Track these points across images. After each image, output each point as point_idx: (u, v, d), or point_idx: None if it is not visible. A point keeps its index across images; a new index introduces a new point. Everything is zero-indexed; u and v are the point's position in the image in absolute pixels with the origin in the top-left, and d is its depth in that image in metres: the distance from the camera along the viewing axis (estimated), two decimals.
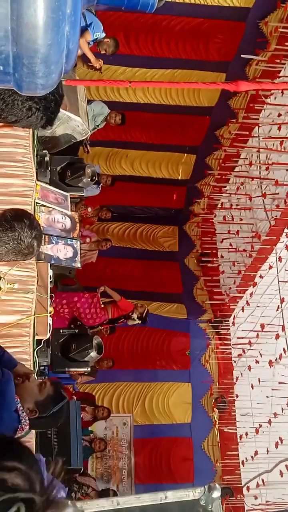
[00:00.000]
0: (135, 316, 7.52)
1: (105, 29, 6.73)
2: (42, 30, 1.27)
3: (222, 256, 9.65)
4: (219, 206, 9.77)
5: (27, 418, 2.47)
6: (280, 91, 7.30)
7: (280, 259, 7.77)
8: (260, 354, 8.15)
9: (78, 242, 5.36)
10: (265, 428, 7.95)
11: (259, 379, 8.09)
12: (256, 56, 7.49)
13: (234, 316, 9.22)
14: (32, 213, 4.49)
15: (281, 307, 7.71)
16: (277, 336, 7.69)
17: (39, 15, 1.25)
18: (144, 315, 7.60)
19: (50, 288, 4.81)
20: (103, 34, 6.72)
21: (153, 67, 8.31)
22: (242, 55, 7.47)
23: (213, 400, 9.15)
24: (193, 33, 7.91)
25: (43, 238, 4.92)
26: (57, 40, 1.30)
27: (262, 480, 7.99)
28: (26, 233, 2.47)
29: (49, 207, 5.13)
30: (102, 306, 7.18)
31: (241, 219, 8.86)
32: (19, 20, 1.26)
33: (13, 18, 1.26)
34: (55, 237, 5.07)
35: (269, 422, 7.84)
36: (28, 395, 2.57)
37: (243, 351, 8.76)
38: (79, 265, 5.32)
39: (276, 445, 7.64)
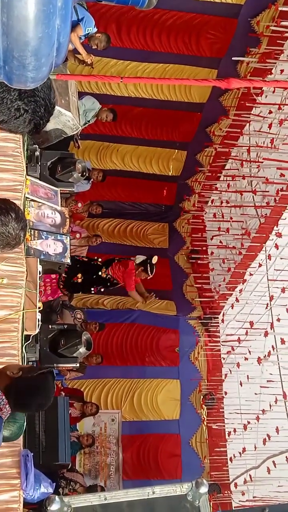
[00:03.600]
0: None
1: (96, 21, 6.70)
2: (32, 23, 1.26)
3: (212, 253, 9.67)
4: (209, 203, 9.79)
5: (4, 397, 2.48)
6: (271, 89, 7.32)
7: (269, 257, 7.80)
8: (249, 351, 8.18)
9: (68, 238, 5.35)
10: (253, 424, 7.99)
11: (247, 376, 8.12)
12: (248, 53, 7.50)
13: (223, 313, 9.25)
14: (22, 208, 4.48)
15: (270, 304, 7.74)
16: (266, 334, 7.72)
17: (30, 8, 1.25)
18: (150, 267, 7.87)
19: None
20: (95, 29, 6.69)
21: (145, 61, 8.31)
22: (233, 58, 7.48)
23: (202, 397, 9.17)
24: (185, 28, 7.91)
25: (33, 233, 4.91)
26: (47, 33, 1.30)
27: (250, 476, 8.03)
28: (14, 226, 2.50)
29: (39, 202, 5.12)
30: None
31: (231, 217, 8.88)
32: (9, 13, 1.25)
33: (4, 11, 1.25)
34: (44, 233, 5.06)
35: (257, 418, 7.88)
36: (12, 366, 2.65)
37: (232, 348, 8.79)
38: (68, 260, 5.31)
39: (264, 441, 7.69)
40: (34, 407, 2.74)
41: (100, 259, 8.03)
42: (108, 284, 7.94)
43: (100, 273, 7.81)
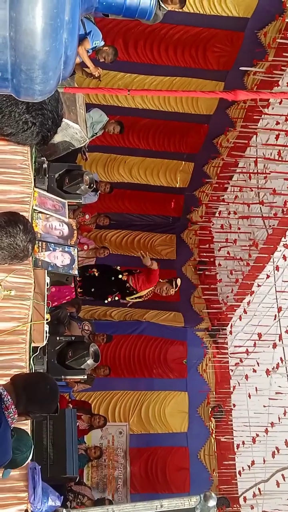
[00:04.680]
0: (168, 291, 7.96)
1: (104, 36, 6.76)
2: (40, 37, 1.28)
3: (219, 265, 9.65)
4: (217, 214, 9.79)
5: (9, 397, 2.47)
6: (278, 101, 7.33)
7: (277, 268, 7.78)
8: (258, 363, 8.14)
9: (76, 250, 5.36)
10: (262, 437, 7.92)
11: (256, 388, 8.08)
12: (254, 65, 7.53)
13: (231, 324, 9.22)
14: (30, 220, 4.50)
15: (278, 316, 7.71)
16: (274, 345, 7.68)
17: (38, 22, 1.26)
18: (176, 284, 7.94)
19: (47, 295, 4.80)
20: (102, 42, 6.74)
21: (152, 74, 8.36)
22: (240, 68, 7.51)
23: (210, 409, 9.11)
24: (192, 42, 7.96)
25: (40, 245, 4.93)
26: (55, 46, 1.31)
27: (259, 490, 7.96)
28: (22, 238, 2.50)
29: (46, 214, 5.14)
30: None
31: (238, 228, 8.87)
32: (17, 27, 1.27)
33: (12, 25, 1.27)
34: (52, 244, 5.07)
35: (266, 431, 7.82)
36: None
37: (240, 360, 8.75)
38: (76, 272, 5.32)
39: (273, 454, 7.62)
40: (43, 387, 2.69)
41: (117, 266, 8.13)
42: (125, 290, 7.96)
43: (120, 276, 7.86)
